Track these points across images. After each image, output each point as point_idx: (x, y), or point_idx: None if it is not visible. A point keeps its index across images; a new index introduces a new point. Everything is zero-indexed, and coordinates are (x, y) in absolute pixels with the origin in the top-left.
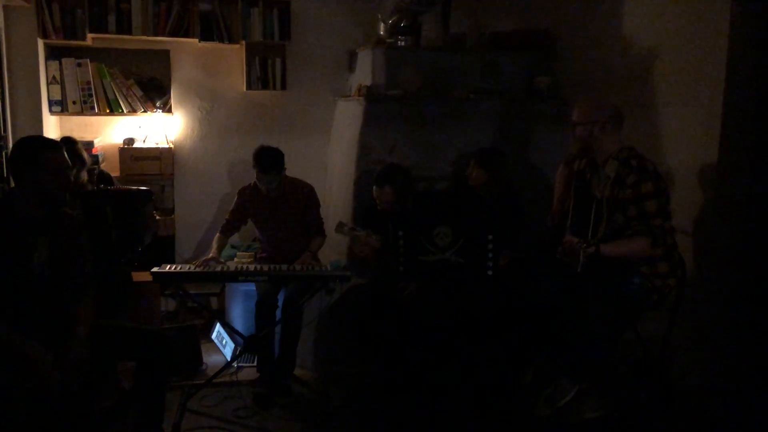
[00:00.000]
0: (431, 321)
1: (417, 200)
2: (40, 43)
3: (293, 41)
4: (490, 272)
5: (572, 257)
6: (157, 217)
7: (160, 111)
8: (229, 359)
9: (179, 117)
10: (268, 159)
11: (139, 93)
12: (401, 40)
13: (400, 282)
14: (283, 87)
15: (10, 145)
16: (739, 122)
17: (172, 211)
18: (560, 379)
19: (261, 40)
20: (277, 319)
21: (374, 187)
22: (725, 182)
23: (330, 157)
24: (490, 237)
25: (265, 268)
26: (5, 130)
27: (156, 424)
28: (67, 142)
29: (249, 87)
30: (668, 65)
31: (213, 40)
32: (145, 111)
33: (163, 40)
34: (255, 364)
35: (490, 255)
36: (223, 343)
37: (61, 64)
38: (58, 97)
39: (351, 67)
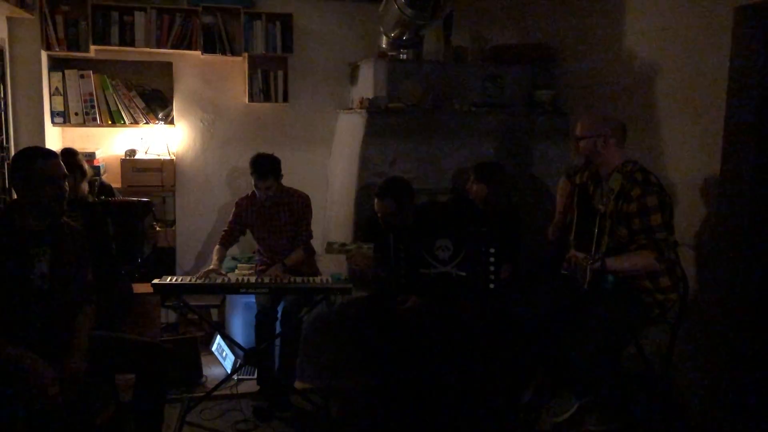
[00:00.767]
0: (431, 334)
1: (418, 213)
2: (44, 54)
3: (295, 54)
4: (491, 285)
5: (578, 273)
6: (158, 229)
7: (162, 123)
8: (229, 372)
9: (181, 129)
10: (265, 165)
11: (141, 104)
12: (403, 53)
13: (399, 295)
14: (285, 99)
15: None
16: (740, 136)
17: (173, 222)
18: (562, 393)
19: (263, 53)
20: (277, 331)
21: (375, 200)
22: (727, 196)
23: (331, 170)
24: (492, 250)
25: (266, 280)
26: (7, 141)
27: None
28: (67, 153)
29: (251, 99)
30: (670, 79)
31: (215, 52)
32: (147, 122)
33: (166, 53)
34: (255, 376)
35: (492, 268)
36: (223, 355)
37: (64, 75)
38: (60, 108)
39: (353, 80)
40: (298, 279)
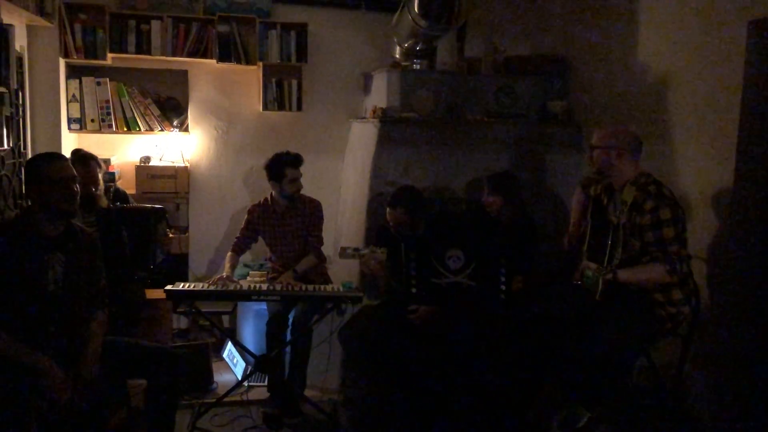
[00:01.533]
0: (442, 344)
1: (430, 222)
2: (62, 62)
3: (309, 63)
4: (502, 296)
5: (591, 284)
6: (171, 235)
7: (177, 130)
8: (240, 378)
9: (196, 136)
10: (293, 155)
11: (157, 112)
12: (416, 64)
13: (410, 304)
14: (299, 108)
15: None
16: (753, 149)
17: (186, 229)
18: (573, 405)
19: (278, 62)
20: (287, 339)
21: (387, 209)
22: (740, 209)
23: (344, 178)
24: (503, 261)
25: (278, 287)
26: (25, 147)
27: None
28: (80, 158)
29: (265, 108)
30: (683, 92)
31: (230, 61)
32: (162, 130)
33: (182, 61)
34: (265, 383)
35: (503, 279)
36: (234, 362)
37: (81, 82)
38: (77, 115)
39: (366, 89)
40: (309, 287)
